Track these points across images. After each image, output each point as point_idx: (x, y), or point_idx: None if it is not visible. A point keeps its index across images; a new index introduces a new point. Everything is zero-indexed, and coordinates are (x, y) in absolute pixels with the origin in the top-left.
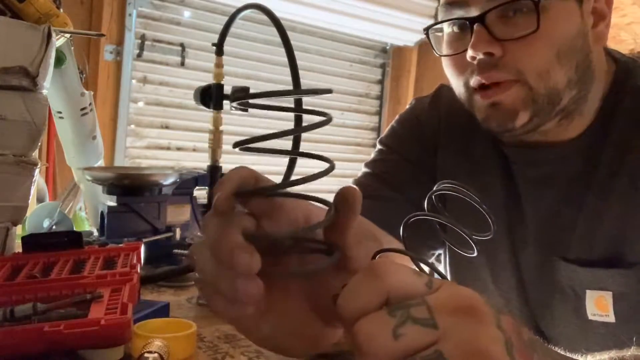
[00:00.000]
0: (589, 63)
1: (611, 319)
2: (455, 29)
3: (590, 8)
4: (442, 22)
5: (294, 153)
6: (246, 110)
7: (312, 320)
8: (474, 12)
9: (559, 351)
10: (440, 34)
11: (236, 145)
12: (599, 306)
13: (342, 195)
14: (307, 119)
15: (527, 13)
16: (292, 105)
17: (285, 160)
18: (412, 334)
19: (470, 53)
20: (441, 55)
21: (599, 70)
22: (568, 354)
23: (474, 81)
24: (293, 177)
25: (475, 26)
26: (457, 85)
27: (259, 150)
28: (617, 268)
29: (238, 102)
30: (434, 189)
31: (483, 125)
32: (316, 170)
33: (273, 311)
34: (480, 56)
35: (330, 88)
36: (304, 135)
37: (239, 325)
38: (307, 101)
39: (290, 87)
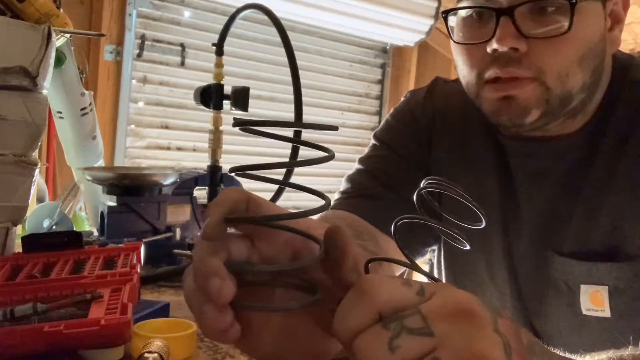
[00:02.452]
0: (602, 68)
1: (606, 314)
2: (475, 15)
3: (609, 10)
4: (465, 7)
5: (291, 185)
6: (246, 111)
7: (314, 334)
8: (500, 2)
9: (558, 353)
10: (453, 17)
11: (232, 170)
12: (594, 301)
13: (331, 238)
14: (311, 137)
15: (556, 11)
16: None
17: (284, 161)
18: (408, 344)
19: (494, 46)
20: (457, 43)
21: (606, 72)
22: (567, 355)
23: (490, 73)
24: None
25: (502, 18)
26: (467, 74)
27: (256, 178)
28: (613, 262)
29: (241, 127)
30: (421, 186)
31: (491, 118)
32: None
33: (273, 328)
34: (504, 50)
35: (337, 125)
36: (304, 135)
37: (238, 346)
38: (306, 99)
39: (291, 88)
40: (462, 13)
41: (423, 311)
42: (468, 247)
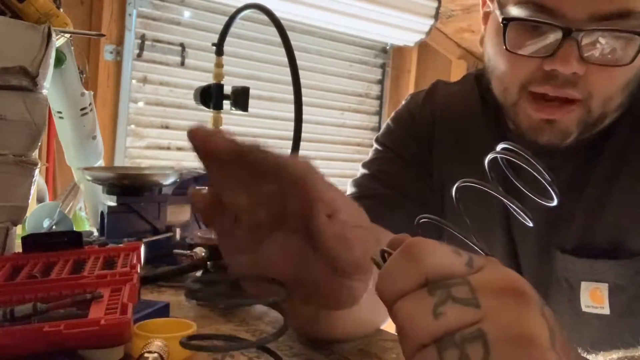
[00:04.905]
0: (636, 87)
1: (606, 310)
2: (530, 26)
3: None
4: (530, 21)
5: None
6: (246, 110)
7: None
8: (568, 21)
9: (579, 351)
10: (498, 20)
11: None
12: (594, 298)
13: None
14: (307, 119)
15: (617, 38)
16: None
17: None
18: (452, 312)
19: (556, 66)
20: (508, 50)
21: None
22: (584, 354)
23: (538, 88)
24: None
25: (567, 40)
26: (509, 81)
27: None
28: (615, 260)
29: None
30: (496, 150)
31: (527, 133)
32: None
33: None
34: (566, 73)
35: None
36: (304, 135)
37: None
38: (306, 99)
39: (291, 88)
40: (515, 14)
41: (472, 282)
42: (531, 224)
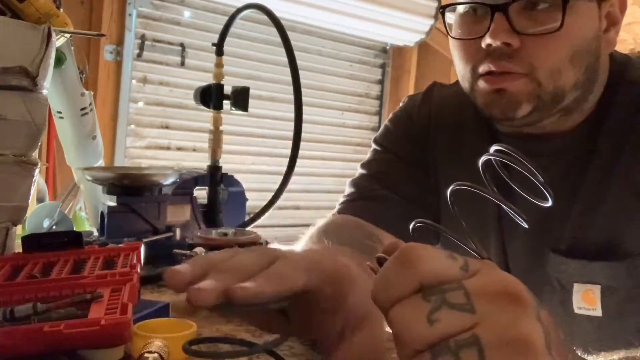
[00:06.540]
0: (597, 67)
1: (598, 312)
2: (471, 11)
3: (605, 12)
4: (460, 3)
5: None
6: (246, 111)
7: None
8: None
9: (578, 353)
10: (452, 14)
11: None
12: (586, 299)
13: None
14: (307, 119)
15: (550, 9)
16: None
17: (284, 160)
18: (447, 319)
19: (487, 41)
20: (453, 38)
21: (602, 72)
22: (584, 356)
23: (483, 68)
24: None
25: (496, 14)
26: (462, 69)
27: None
28: (608, 261)
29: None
30: (490, 152)
31: (484, 111)
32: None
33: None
34: (497, 44)
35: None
36: (304, 135)
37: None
38: (306, 99)
39: (291, 88)
40: (460, 9)
41: (467, 287)
42: (526, 226)
